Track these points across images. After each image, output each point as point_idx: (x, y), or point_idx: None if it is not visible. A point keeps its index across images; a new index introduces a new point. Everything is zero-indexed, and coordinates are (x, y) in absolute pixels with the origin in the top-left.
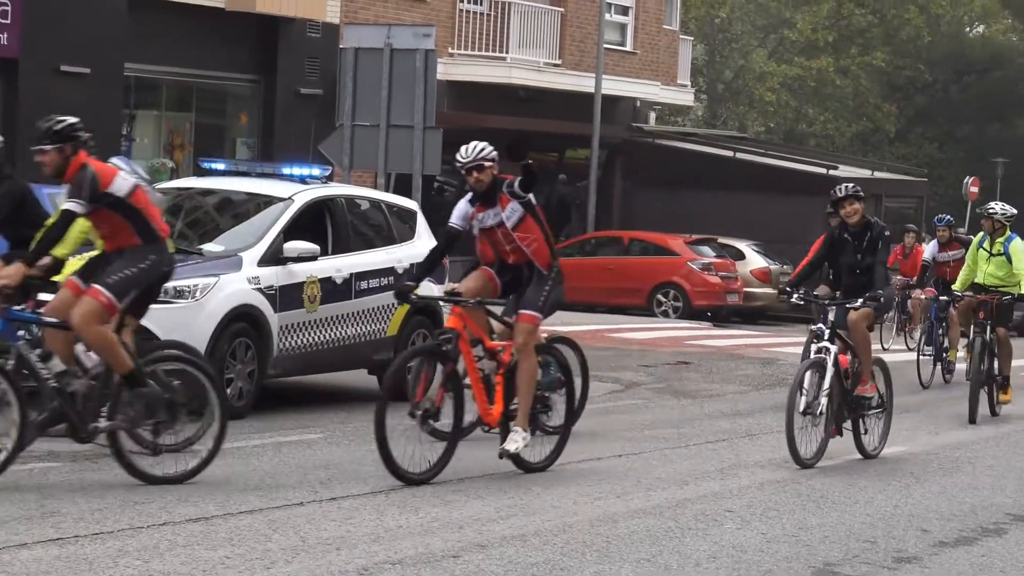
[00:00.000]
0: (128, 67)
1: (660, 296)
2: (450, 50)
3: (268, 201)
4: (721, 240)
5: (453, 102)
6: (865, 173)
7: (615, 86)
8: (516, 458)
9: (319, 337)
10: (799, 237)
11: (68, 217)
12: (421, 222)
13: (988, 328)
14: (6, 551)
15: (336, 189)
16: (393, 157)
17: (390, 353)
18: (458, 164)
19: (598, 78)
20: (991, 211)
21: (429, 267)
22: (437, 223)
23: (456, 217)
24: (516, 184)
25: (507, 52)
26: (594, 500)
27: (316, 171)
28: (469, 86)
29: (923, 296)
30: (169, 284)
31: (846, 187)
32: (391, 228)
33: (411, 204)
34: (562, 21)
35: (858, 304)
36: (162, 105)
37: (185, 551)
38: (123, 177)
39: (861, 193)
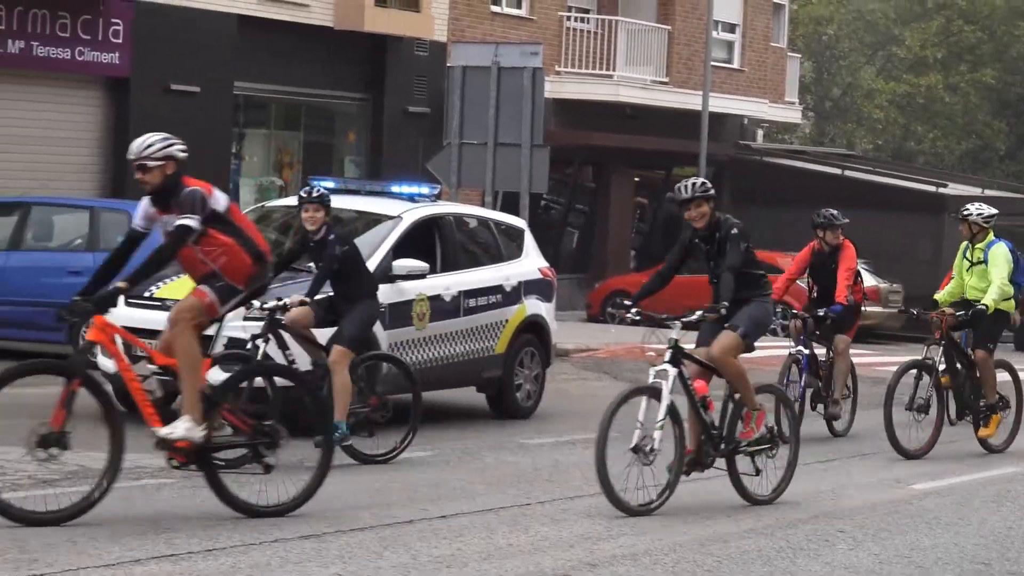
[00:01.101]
0: (237, 86)
1: None
2: (557, 68)
3: (377, 219)
4: None
5: (560, 120)
6: (975, 191)
7: (722, 103)
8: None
9: (428, 355)
10: (908, 255)
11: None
12: (529, 240)
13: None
14: (121, 567)
15: (444, 207)
16: (501, 175)
17: (499, 370)
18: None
19: (705, 96)
20: (966, 213)
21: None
22: (544, 241)
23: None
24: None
25: (614, 70)
26: (704, 520)
27: (425, 189)
28: (576, 104)
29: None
30: (279, 302)
31: (691, 185)
32: (499, 246)
33: (519, 222)
34: (669, 39)
35: (694, 318)
36: (271, 124)
37: (297, 568)
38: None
39: (711, 192)
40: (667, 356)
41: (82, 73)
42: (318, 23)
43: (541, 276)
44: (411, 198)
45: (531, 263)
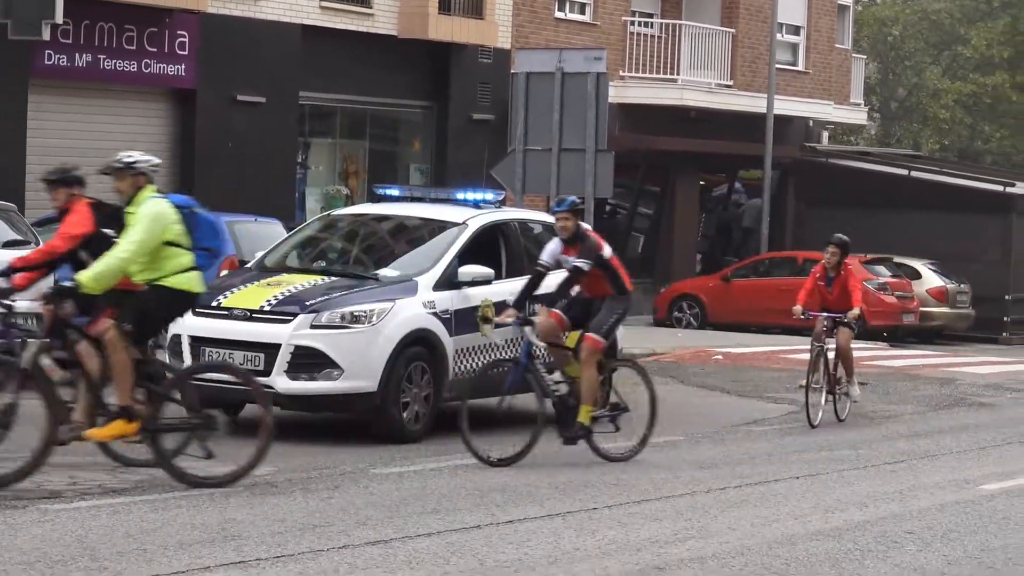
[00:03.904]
0: (303, 95)
1: None
2: (621, 73)
3: (442, 226)
4: (897, 259)
5: (624, 124)
6: None
7: (787, 106)
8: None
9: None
10: (976, 256)
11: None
12: None
13: None
14: (190, 574)
15: (509, 213)
16: (565, 181)
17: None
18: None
19: (770, 98)
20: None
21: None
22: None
23: None
24: None
25: (678, 74)
26: (772, 522)
27: (489, 196)
28: (640, 108)
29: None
30: (346, 309)
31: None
32: None
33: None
34: (733, 42)
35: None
36: (336, 133)
37: (365, 574)
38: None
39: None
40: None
41: (149, 86)
42: (382, 31)
43: None
44: (476, 205)
45: None
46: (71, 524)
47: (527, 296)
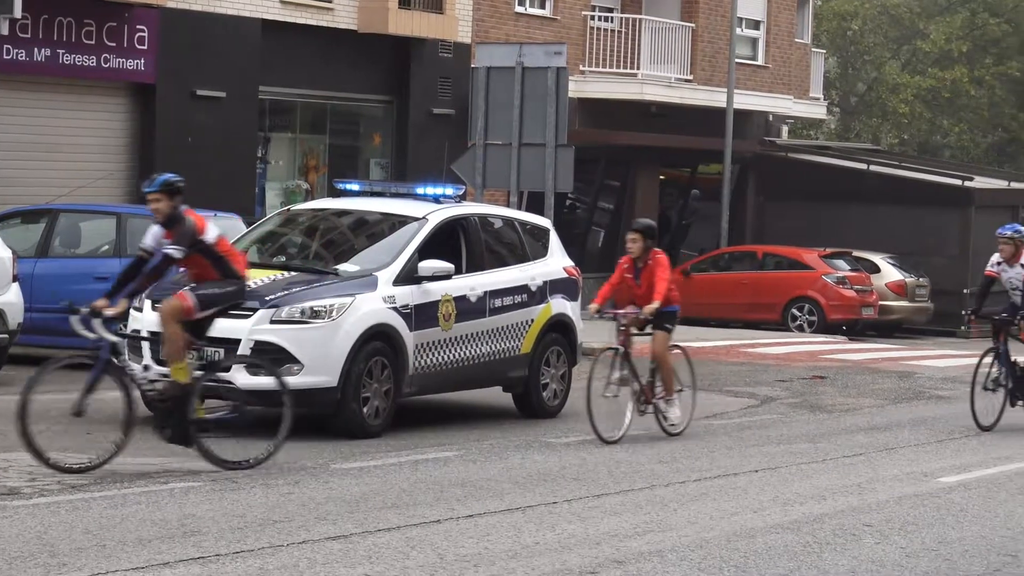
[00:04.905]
0: (263, 90)
1: (795, 310)
2: (581, 67)
3: (402, 221)
4: (856, 253)
5: (584, 119)
6: (1001, 184)
7: (747, 100)
8: None
9: (454, 355)
10: (934, 250)
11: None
12: (554, 239)
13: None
14: (149, 570)
15: (469, 208)
16: (525, 175)
17: (525, 370)
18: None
19: (730, 93)
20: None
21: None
22: (570, 240)
23: None
24: None
25: (638, 68)
26: (731, 515)
27: (449, 190)
28: (600, 103)
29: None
30: (306, 304)
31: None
32: (524, 246)
33: (544, 222)
34: (693, 36)
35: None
36: (296, 127)
37: (325, 569)
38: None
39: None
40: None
41: (108, 80)
42: (342, 26)
43: (567, 275)
44: (436, 199)
45: (556, 262)
46: (30, 520)
47: (123, 284)
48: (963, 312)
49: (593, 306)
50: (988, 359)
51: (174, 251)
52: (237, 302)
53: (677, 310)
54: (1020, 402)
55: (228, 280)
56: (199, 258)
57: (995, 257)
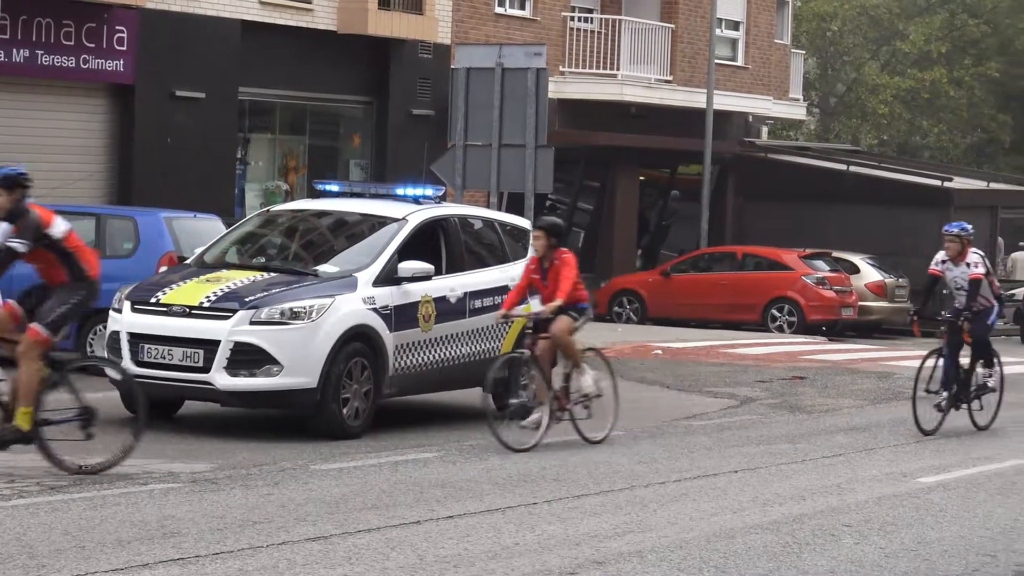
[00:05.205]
0: (242, 91)
1: (774, 311)
2: (561, 68)
3: (382, 222)
4: (835, 254)
5: (564, 120)
6: (981, 184)
7: (727, 101)
8: None
9: (434, 356)
10: (914, 250)
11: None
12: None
13: None
14: (129, 571)
15: (449, 209)
16: (505, 176)
17: (505, 371)
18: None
19: (709, 93)
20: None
21: None
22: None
23: None
24: None
25: (618, 69)
26: (710, 516)
27: (429, 191)
28: (580, 104)
29: None
30: (285, 305)
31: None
32: (504, 247)
33: (524, 223)
34: (673, 37)
35: None
36: (276, 128)
37: (304, 570)
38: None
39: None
40: None
41: (87, 81)
42: (322, 27)
43: None
44: (416, 200)
45: None
46: (9, 522)
47: None
48: (942, 313)
49: (499, 312)
50: (931, 362)
51: (17, 244)
52: (89, 308)
53: (587, 307)
54: (964, 405)
55: (74, 285)
56: (46, 253)
57: (940, 255)
